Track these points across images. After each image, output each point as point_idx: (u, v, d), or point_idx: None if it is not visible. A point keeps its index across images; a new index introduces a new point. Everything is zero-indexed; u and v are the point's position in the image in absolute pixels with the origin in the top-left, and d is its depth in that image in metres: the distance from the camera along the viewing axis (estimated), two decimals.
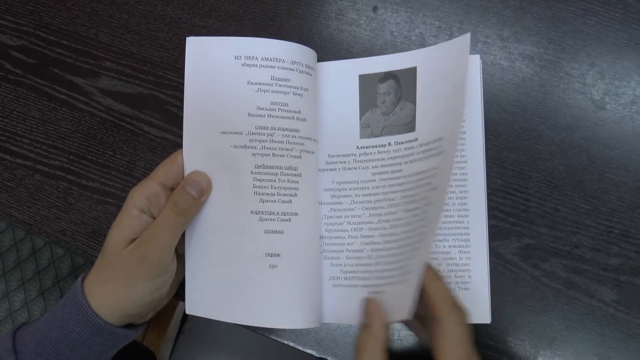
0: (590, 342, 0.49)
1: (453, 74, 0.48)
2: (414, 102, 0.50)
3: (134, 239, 0.45)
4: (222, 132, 0.47)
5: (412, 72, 0.50)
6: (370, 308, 0.45)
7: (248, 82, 0.47)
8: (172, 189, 0.47)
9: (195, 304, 0.48)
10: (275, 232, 0.47)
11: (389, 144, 0.50)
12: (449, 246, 0.49)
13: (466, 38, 0.47)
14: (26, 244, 1.20)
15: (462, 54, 0.47)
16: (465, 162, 0.50)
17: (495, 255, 0.50)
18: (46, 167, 0.57)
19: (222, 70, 0.47)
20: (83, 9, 0.58)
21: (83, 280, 0.47)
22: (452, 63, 0.48)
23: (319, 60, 0.51)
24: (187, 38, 0.48)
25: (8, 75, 0.59)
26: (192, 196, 0.45)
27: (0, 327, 1.14)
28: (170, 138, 0.55)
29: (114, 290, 0.45)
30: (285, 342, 0.52)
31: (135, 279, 0.44)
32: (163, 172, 0.47)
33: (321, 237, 0.50)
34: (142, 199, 0.46)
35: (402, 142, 0.50)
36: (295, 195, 0.47)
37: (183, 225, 0.46)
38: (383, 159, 0.50)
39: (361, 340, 0.43)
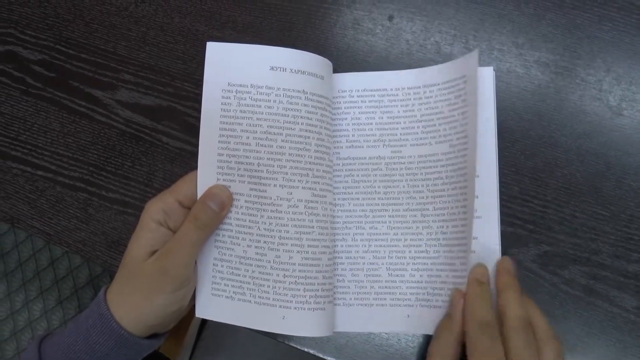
0: (611, 349, 0.49)
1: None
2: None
3: (154, 251, 0.46)
4: (238, 142, 0.48)
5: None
6: (455, 299, 0.47)
7: (261, 91, 0.48)
8: (187, 207, 0.47)
9: (206, 307, 0.49)
10: (290, 239, 0.47)
11: (411, 156, 0.51)
12: (454, 257, 0.49)
13: (489, 71, 0.51)
14: (45, 254, 1.22)
15: (486, 87, 0.50)
16: (478, 176, 0.49)
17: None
18: (67, 179, 0.58)
19: (242, 77, 0.48)
20: (102, 23, 0.59)
21: (106, 291, 0.47)
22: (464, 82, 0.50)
23: (336, 70, 0.51)
24: (208, 43, 0.48)
25: (29, 89, 0.59)
26: (212, 210, 0.46)
27: (20, 335, 1.15)
28: (188, 149, 0.56)
29: (135, 303, 0.45)
30: (306, 349, 0.52)
31: (156, 291, 0.45)
32: (179, 189, 0.47)
33: (335, 250, 0.51)
34: (159, 212, 0.46)
35: (424, 155, 0.50)
36: (313, 207, 0.48)
37: (203, 239, 0.47)
38: (403, 170, 0.51)
39: (440, 324, 0.47)
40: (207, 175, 0.48)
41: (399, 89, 0.51)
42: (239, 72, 0.48)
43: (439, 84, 0.50)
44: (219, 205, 0.46)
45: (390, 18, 0.55)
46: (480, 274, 0.46)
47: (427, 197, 0.50)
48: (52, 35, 0.60)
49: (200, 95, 0.49)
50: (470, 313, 0.44)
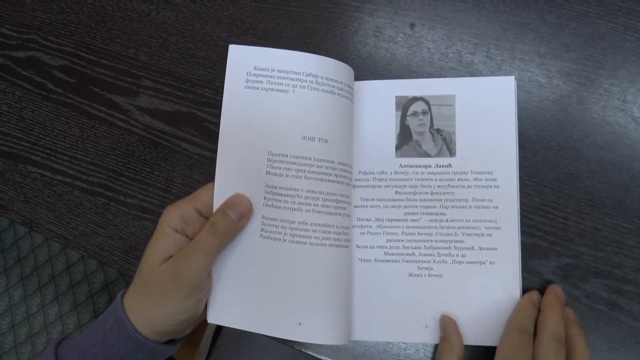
0: None
1: (497, 113, 0.50)
2: (452, 128, 0.50)
3: (169, 257, 0.46)
4: (258, 150, 0.47)
5: (450, 99, 0.51)
6: (446, 322, 0.48)
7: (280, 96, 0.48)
8: (206, 216, 0.47)
9: (219, 313, 0.48)
10: (307, 247, 0.47)
11: (429, 166, 0.50)
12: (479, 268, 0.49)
13: (510, 80, 0.50)
14: (60, 259, 1.22)
15: (507, 97, 0.50)
16: (498, 186, 0.49)
17: (533, 274, 0.50)
18: (85, 184, 0.58)
19: (262, 82, 0.48)
20: (123, 29, 0.60)
21: (123, 296, 0.47)
22: (495, 100, 0.51)
23: (357, 78, 0.51)
24: (230, 46, 0.48)
25: (50, 95, 0.60)
26: (231, 219, 0.46)
27: (36, 339, 1.16)
28: (207, 155, 0.56)
29: (149, 307, 0.45)
30: (323, 357, 0.51)
31: (168, 297, 0.45)
32: (199, 197, 0.47)
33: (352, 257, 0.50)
34: (177, 219, 0.46)
35: (444, 166, 0.50)
36: (331, 214, 0.47)
37: (219, 247, 0.46)
38: (422, 179, 0.50)
39: (440, 349, 0.47)
40: (224, 184, 0.48)
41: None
42: (262, 84, 0.48)
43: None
44: (237, 215, 0.46)
45: (412, 26, 0.54)
46: (534, 296, 0.48)
47: (448, 208, 0.50)
48: (73, 42, 0.60)
49: (220, 101, 0.49)
50: (513, 321, 0.47)
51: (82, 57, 0.60)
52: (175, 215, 0.46)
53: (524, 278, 0.49)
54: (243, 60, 0.49)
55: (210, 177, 0.49)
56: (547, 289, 0.48)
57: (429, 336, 0.49)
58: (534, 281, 0.49)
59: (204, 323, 0.50)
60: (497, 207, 0.49)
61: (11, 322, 1.22)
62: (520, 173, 0.50)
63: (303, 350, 0.52)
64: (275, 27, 0.57)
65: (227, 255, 0.48)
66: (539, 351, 0.44)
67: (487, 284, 0.48)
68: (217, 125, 0.49)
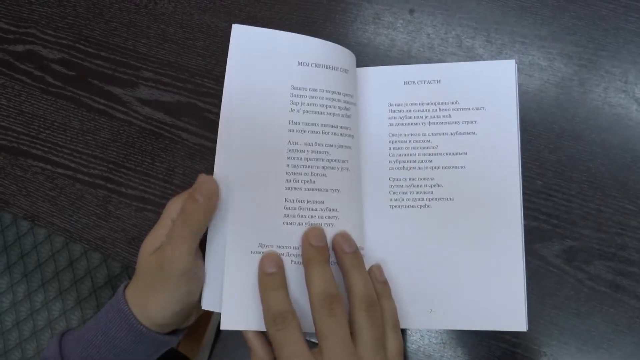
0: (639, 346, 0.48)
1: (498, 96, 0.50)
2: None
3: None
4: (258, 132, 0.47)
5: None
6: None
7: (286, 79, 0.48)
8: None
9: (233, 318, 0.46)
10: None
11: None
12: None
13: (511, 64, 0.50)
14: (63, 255, 1.22)
15: (508, 80, 0.50)
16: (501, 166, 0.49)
17: (537, 257, 0.49)
18: (86, 176, 0.58)
19: (265, 63, 0.48)
20: (121, 21, 0.59)
21: (125, 288, 0.47)
22: (496, 84, 0.50)
23: (357, 65, 0.51)
24: (233, 25, 0.48)
25: (49, 88, 0.60)
26: (197, 201, 0.44)
27: (40, 335, 1.16)
28: (208, 145, 0.55)
29: (144, 298, 0.45)
30: None
31: (158, 287, 0.44)
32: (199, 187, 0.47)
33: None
34: (178, 210, 0.46)
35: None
36: (332, 209, 0.47)
37: (194, 234, 0.44)
38: None
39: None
40: (223, 172, 0.47)
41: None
42: (264, 65, 0.48)
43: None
44: (204, 196, 0.44)
45: (411, 12, 0.54)
46: (314, 236, 0.44)
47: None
48: (71, 34, 0.60)
49: (220, 91, 0.49)
50: (309, 285, 0.43)
51: (80, 50, 0.60)
52: (177, 207, 0.46)
53: (527, 261, 0.48)
54: (245, 41, 0.48)
55: (212, 167, 0.48)
56: (333, 244, 0.46)
57: (434, 321, 0.49)
58: (537, 264, 0.49)
59: (207, 316, 0.50)
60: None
61: (15, 319, 1.22)
62: (522, 156, 0.49)
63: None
64: (274, 15, 0.56)
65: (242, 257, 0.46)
66: (354, 322, 0.42)
67: (490, 267, 0.48)
68: (217, 115, 0.49)
